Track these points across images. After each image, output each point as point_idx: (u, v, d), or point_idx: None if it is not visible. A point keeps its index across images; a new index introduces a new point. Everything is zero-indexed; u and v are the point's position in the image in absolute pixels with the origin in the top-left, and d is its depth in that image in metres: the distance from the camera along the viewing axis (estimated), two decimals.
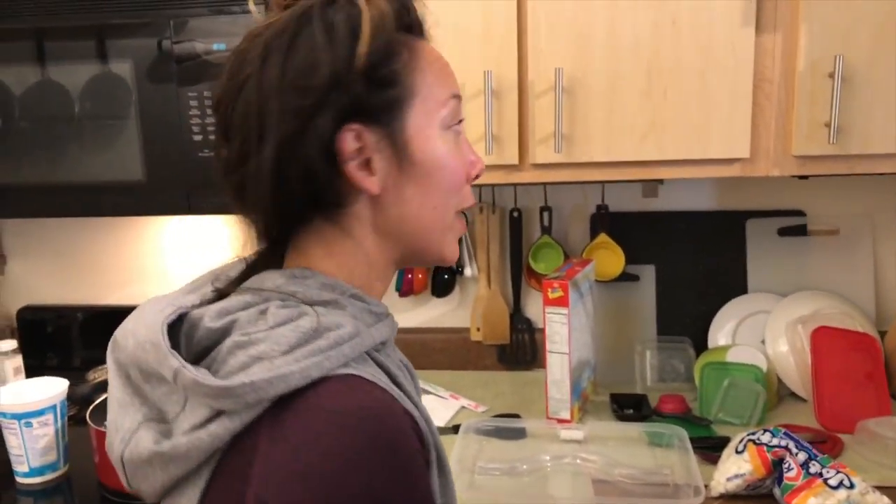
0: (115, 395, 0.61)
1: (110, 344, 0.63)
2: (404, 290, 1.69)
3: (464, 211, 0.70)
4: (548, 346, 1.39)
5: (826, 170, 1.28)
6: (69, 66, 1.38)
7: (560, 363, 1.38)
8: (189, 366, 0.55)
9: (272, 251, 0.67)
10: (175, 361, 0.55)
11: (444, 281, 1.70)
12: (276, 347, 0.54)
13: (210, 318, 0.58)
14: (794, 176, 1.31)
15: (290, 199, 0.61)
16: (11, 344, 1.67)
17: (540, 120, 1.31)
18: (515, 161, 1.33)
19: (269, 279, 0.62)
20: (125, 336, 0.60)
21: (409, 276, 1.68)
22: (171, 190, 1.37)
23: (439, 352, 1.74)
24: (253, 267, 0.67)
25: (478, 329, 1.71)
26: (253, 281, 0.63)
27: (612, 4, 1.26)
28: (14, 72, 1.40)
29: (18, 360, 1.68)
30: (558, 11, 1.28)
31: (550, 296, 1.37)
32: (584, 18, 1.27)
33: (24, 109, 1.41)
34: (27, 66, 1.39)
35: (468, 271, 1.69)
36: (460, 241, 1.68)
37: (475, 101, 1.32)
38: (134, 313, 0.62)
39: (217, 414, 0.54)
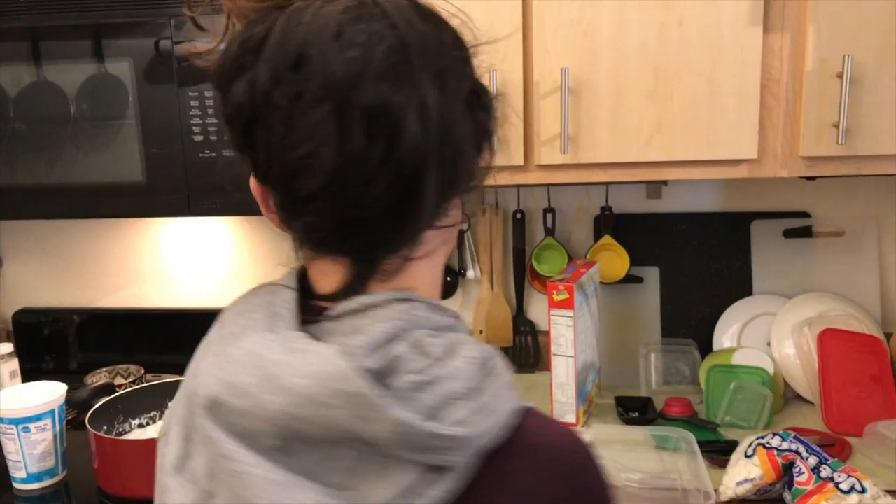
0: (260, 473, 0.47)
1: (207, 409, 0.49)
2: None
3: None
4: (553, 349, 1.37)
5: (834, 171, 1.27)
6: (66, 66, 1.37)
7: (565, 366, 1.36)
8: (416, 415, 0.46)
9: (353, 270, 0.54)
10: (400, 412, 0.45)
11: (446, 283, 1.69)
12: (465, 384, 0.48)
13: (362, 356, 0.48)
14: (801, 177, 1.30)
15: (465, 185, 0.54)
16: (7, 347, 1.65)
17: (545, 121, 1.30)
18: (521, 162, 1.32)
19: (376, 303, 0.52)
20: (246, 395, 0.47)
21: None
22: (171, 192, 1.35)
23: None
24: (308, 290, 0.56)
25: (480, 331, 1.69)
26: (347, 307, 0.52)
27: (618, 4, 1.25)
28: (9, 72, 1.38)
29: (14, 364, 1.66)
30: (564, 11, 1.26)
31: (556, 298, 1.35)
32: (590, 18, 1.26)
33: (19, 110, 1.39)
34: (22, 66, 1.37)
35: (471, 273, 1.68)
36: (463, 242, 1.68)
37: None
38: (237, 364, 0.49)
39: (429, 475, 0.46)
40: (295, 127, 0.49)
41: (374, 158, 0.48)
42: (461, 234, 1.66)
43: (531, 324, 1.70)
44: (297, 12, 0.50)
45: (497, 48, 1.29)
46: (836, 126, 1.22)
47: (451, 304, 1.73)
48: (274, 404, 0.46)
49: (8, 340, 1.76)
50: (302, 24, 0.50)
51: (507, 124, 1.30)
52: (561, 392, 1.38)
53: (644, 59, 1.26)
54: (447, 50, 0.52)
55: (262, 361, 0.48)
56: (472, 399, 0.48)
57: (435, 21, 0.53)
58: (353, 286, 0.53)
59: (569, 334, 1.35)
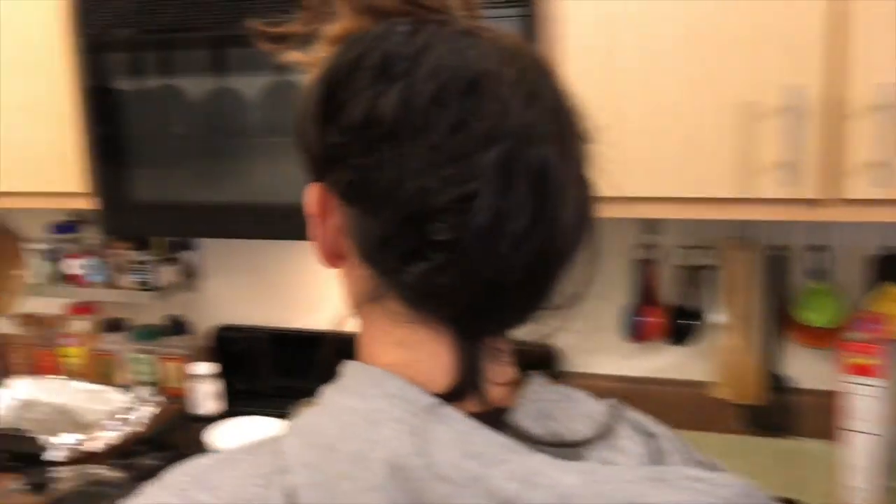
0: None
1: None
2: (637, 335, 1.47)
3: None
4: (850, 424, 1.13)
5: None
6: (249, 79, 1.30)
7: (867, 446, 1.12)
8: None
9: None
10: None
11: (682, 327, 1.47)
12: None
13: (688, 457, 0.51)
14: None
15: None
16: (211, 367, 1.60)
17: (857, 146, 1.07)
18: (817, 195, 1.10)
19: (569, 395, 0.49)
20: None
21: (643, 318, 1.47)
22: None
23: (672, 407, 1.51)
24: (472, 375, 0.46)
25: (721, 384, 1.47)
26: (555, 414, 0.47)
27: None
28: (196, 83, 1.32)
29: (218, 385, 1.60)
30: (885, 12, 1.03)
31: (855, 361, 1.11)
32: None
33: (209, 124, 1.33)
34: (208, 77, 1.31)
35: (713, 317, 1.45)
36: (700, 281, 1.47)
37: (769, 121, 1.10)
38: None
39: None
40: (454, 159, 0.42)
41: (528, 220, 0.43)
42: (700, 271, 1.45)
43: (783, 380, 1.45)
44: (455, 34, 0.45)
45: (790, 59, 1.08)
46: None
47: (685, 350, 1.51)
48: None
49: (205, 358, 1.71)
50: (469, 48, 0.44)
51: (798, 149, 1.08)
52: (859, 477, 1.13)
53: None
54: (580, 121, 0.47)
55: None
56: None
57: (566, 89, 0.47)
58: (477, 371, 0.45)
59: (874, 407, 1.11)
